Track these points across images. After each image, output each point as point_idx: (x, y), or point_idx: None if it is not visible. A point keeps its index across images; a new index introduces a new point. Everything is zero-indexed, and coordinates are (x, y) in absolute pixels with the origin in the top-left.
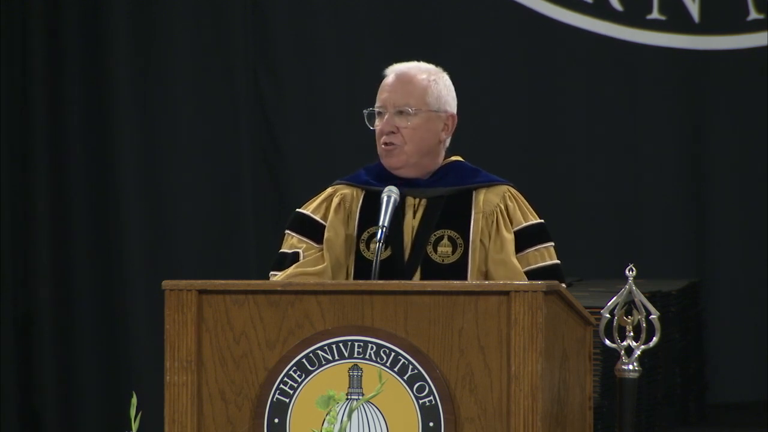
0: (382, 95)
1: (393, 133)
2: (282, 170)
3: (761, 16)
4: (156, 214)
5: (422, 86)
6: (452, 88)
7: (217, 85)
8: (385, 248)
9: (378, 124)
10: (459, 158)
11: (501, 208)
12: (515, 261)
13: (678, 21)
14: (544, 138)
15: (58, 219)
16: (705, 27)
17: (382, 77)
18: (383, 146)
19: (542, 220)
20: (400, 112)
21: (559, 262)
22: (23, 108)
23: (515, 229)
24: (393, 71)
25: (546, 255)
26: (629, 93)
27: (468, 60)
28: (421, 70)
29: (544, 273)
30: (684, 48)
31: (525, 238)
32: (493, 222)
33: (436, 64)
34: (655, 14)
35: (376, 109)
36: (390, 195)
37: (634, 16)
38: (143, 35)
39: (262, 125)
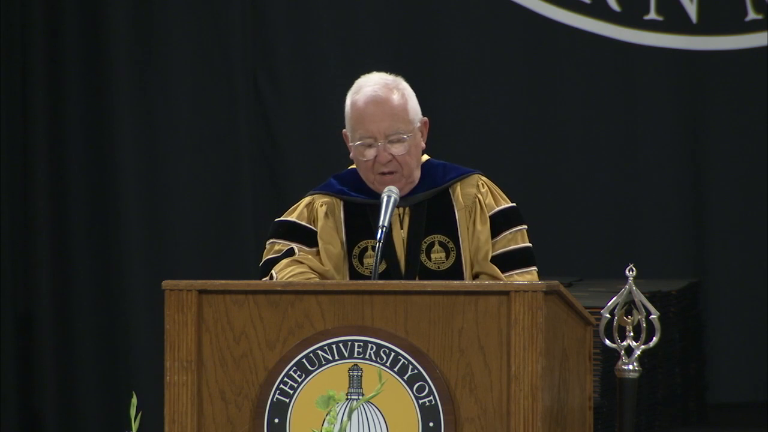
0: (366, 125)
1: (390, 162)
2: (281, 170)
3: (760, 17)
4: (156, 214)
5: (402, 107)
6: (412, 91)
7: (217, 85)
8: (380, 262)
9: (368, 155)
10: (427, 157)
11: (479, 199)
12: (480, 254)
13: (676, 21)
14: (542, 138)
15: (57, 219)
16: (703, 27)
17: (342, 96)
18: (380, 175)
19: (514, 204)
20: (393, 141)
21: (530, 245)
22: (23, 108)
23: (489, 214)
24: (364, 95)
25: (518, 238)
26: (627, 94)
27: (466, 60)
28: (388, 87)
29: (515, 255)
30: (682, 48)
31: (498, 223)
32: (473, 212)
33: (434, 65)
34: (652, 15)
35: (364, 141)
36: (390, 195)
37: (632, 16)
38: (143, 36)
39: (262, 125)
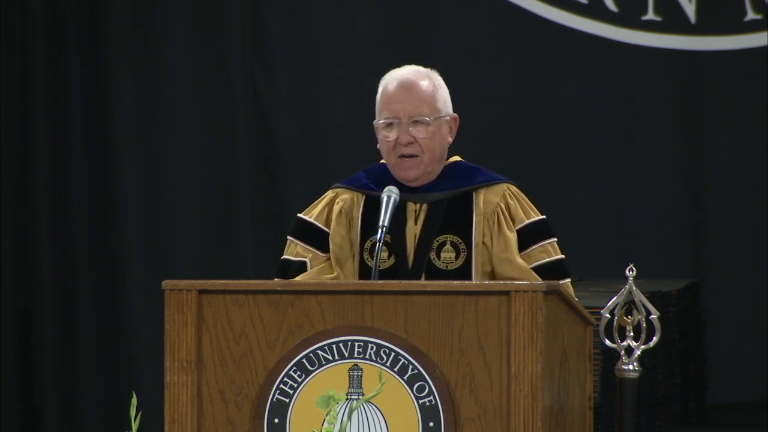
0: (391, 105)
1: (411, 144)
2: (280, 171)
3: (759, 17)
4: (155, 213)
5: (430, 93)
6: (446, 86)
7: (216, 87)
8: (389, 256)
9: (390, 136)
10: (458, 158)
11: (501, 207)
12: (519, 259)
13: (674, 22)
14: (541, 139)
15: (58, 220)
16: (702, 28)
17: (376, 87)
18: (400, 158)
19: (544, 216)
20: (416, 122)
21: (563, 256)
22: (24, 107)
23: (518, 227)
24: (394, 79)
25: (551, 250)
26: (626, 94)
27: (464, 61)
28: (421, 75)
29: (549, 269)
30: (680, 49)
31: (528, 236)
32: (494, 222)
33: (433, 65)
34: (650, 15)
35: (387, 121)
36: (390, 195)
37: (630, 17)
38: (142, 37)
39: (260, 125)
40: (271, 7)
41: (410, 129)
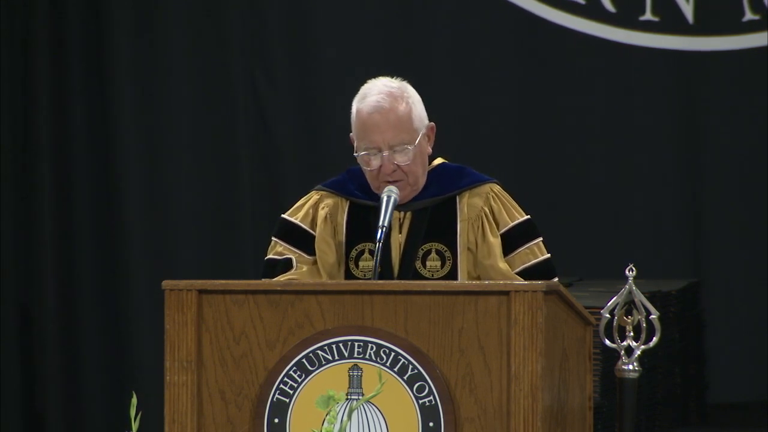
0: (370, 136)
1: (395, 171)
2: (280, 171)
3: (757, 17)
4: (156, 214)
5: (406, 116)
6: (418, 96)
7: (216, 88)
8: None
9: (372, 164)
10: (442, 160)
11: (485, 212)
12: (502, 265)
13: (672, 22)
14: (539, 139)
15: (59, 220)
16: (700, 28)
17: (349, 104)
18: (386, 183)
19: (528, 216)
20: (397, 151)
21: (549, 255)
22: (24, 109)
23: (503, 231)
24: (368, 105)
25: (537, 251)
26: (624, 95)
27: (461, 61)
28: (394, 97)
29: (537, 269)
30: (678, 49)
31: (513, 239)
32: (479, 227)
33: (430, 65)
34: (648, 15)
35: (368, 153)
36: (390, 194)
37: (627, 17)
38: (143, 38)
39: (260, 126)
40: (271, 7)
41: (392, 156)
